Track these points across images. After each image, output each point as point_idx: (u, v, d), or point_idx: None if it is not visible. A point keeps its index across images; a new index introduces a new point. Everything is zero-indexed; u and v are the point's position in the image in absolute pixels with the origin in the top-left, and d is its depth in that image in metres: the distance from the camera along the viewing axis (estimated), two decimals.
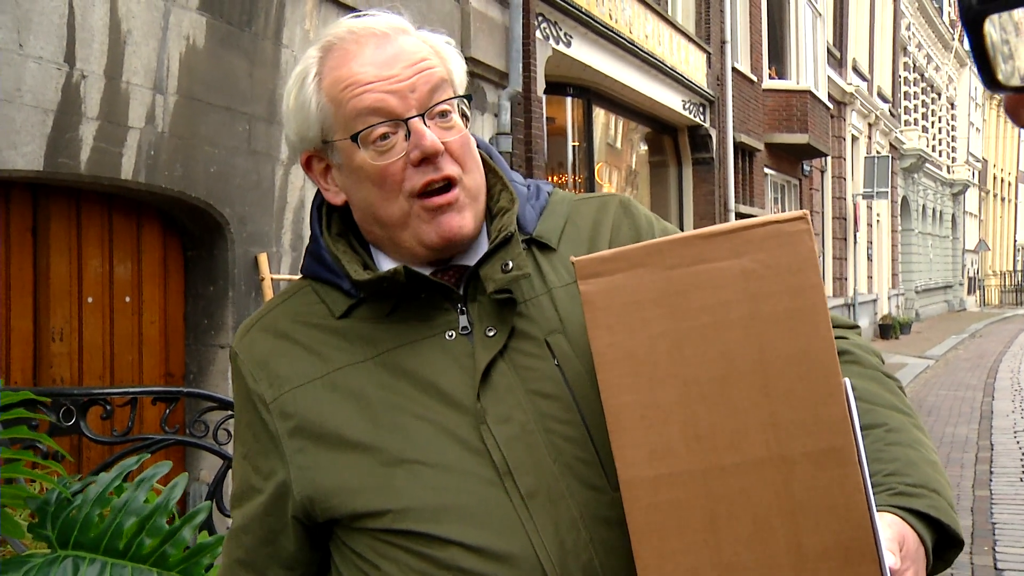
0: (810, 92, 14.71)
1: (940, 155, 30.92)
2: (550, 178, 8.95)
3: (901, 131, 24.21)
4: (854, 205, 19.08)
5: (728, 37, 12.44)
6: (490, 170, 1.15)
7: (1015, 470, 7.46)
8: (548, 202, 1.17)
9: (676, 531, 0.90)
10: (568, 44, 8.22)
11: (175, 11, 4.16)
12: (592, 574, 1.00)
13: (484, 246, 1.10)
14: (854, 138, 19.63)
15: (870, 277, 20.50)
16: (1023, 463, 7.70)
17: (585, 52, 8.57)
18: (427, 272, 1.09)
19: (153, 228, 4.49)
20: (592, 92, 9.64)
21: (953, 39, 30.43)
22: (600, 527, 1.01)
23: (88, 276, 4.15)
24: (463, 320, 1.07)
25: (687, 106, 11.42)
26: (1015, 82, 0.42)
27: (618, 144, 11.24)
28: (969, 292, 35.07)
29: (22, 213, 3.89)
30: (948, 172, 31.83)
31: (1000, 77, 0.42)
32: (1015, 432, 9.08)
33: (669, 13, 10.87)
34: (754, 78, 13.82)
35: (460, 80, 1.12)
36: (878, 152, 20.69)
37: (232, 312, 4.55)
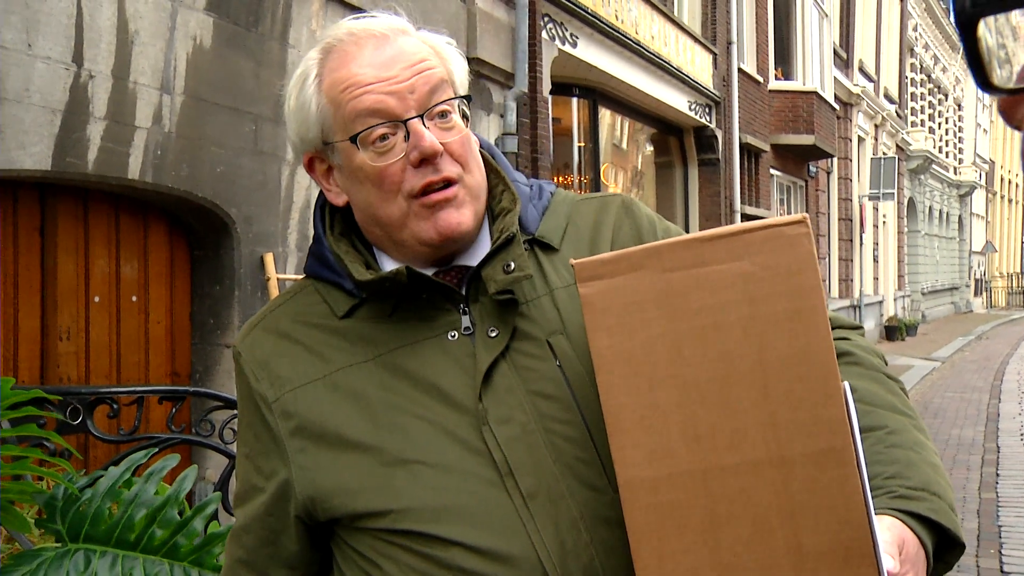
0: (816, 93, 14.69)
1: (947, 156, 30.84)
2: (556, 179, 8.95)
3: (908, 132, 24.15)
4: (860, 206, 19.04)
5: (734, 38, 12.43)
6: (492, 171, 1.15)
7: (1021, 473, 7.44)
8: (550, 202, 1.17)
9: (675, 532, 0.90)
10: (574, 45, 8.23)
11: (182, 11, 4.17)
12: (593, 574, 1.00)
13: (486, 246, 1.11)
14: (860, 139, 19.60)
15: (876, 278, 20.45)
16: None
17: (591, 53, 8.57)
18: (429, 273, 1.09)
19: (160, 228, 4.50)
20: (598, 93, 9.64)
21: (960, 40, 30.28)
22: (601, 527, 1.01)
23: (95, 275, 4.17)
24: (465, 320, 1.07)
25: (693, 107, 11.42)
26: (1010, 85, 0.42)
27: (624, 145, 11.23)
28: (976, 294, 34.96)
29: (30, 213, 3.91)
30: (955, 173, 31.74)
31: (995, 80, 0.42)
32: (1022, 435, 9.05)
33: (675, 14, 10.87)
34: (760, 79, 13.80)
35: (461, 80, 1.12)
36: (884, 153, 20.65)
37: (238, 312, 4.56)
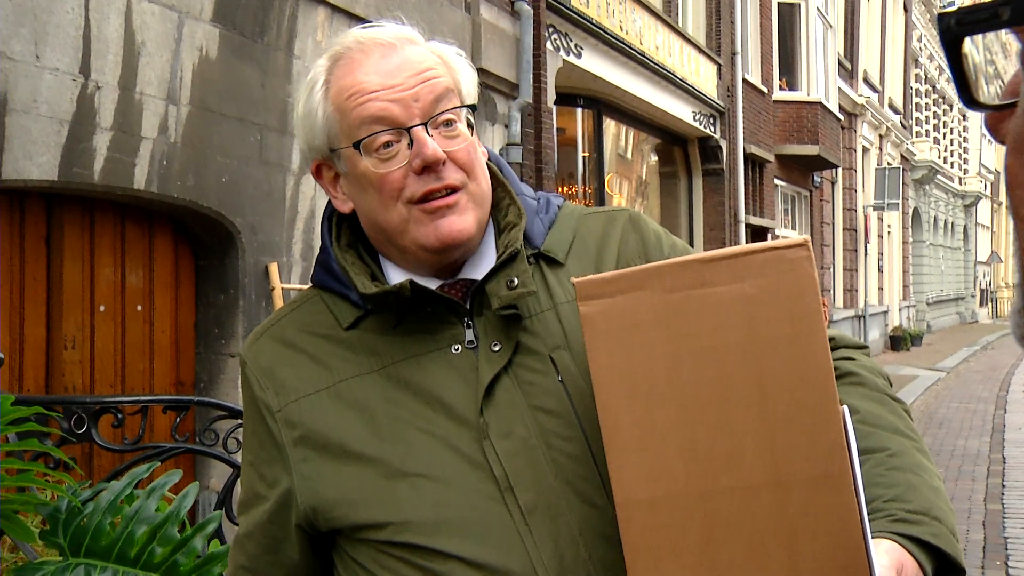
0: (821, 103, 14.70)
1: (952, 167, 30.81)
2: (560, 189, 8.96)
3: (912, 143, 24.14)
4: (865, 217, 19.02)
5: (739, 48, 12.45)
6: (499, 184, 1.15)
7: None
8: (557, 216, 1.17)
9: (671, 552, 0.90)
10: (579, 55, 8.25)
11: (189, 22, 4.20)
12: None
13: (492, 260, 1.11)
14: (865, 149, 19.59)
15: (881, 289, 20.41)
16: None
17: (596, 63, 8.60)
18: (435, 285, 1.09)
19: (165, 237, 4.52)
20: (603, 103, 9.66)
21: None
22: (599, 544, 1.01)
23: (100, 285, 4.18)
24: (469, 334, 1.08)
25: (697, 117, 11.43)
26: (995, 101, 0.43)
27: (628, 155, 11.25)
28: (981, 304, 34.87)
29: (36, 222, 3.93)
30: (960, 184, 31.71)
31: (980, 97, 0.43)
32: None
33: (680, 24, 10.89)
34: (764, 89, 13.82)
35: (468, 90, 1.12)
36: (889, 164, 20.64)
37: (243, 321, 4.57)
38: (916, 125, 25.54)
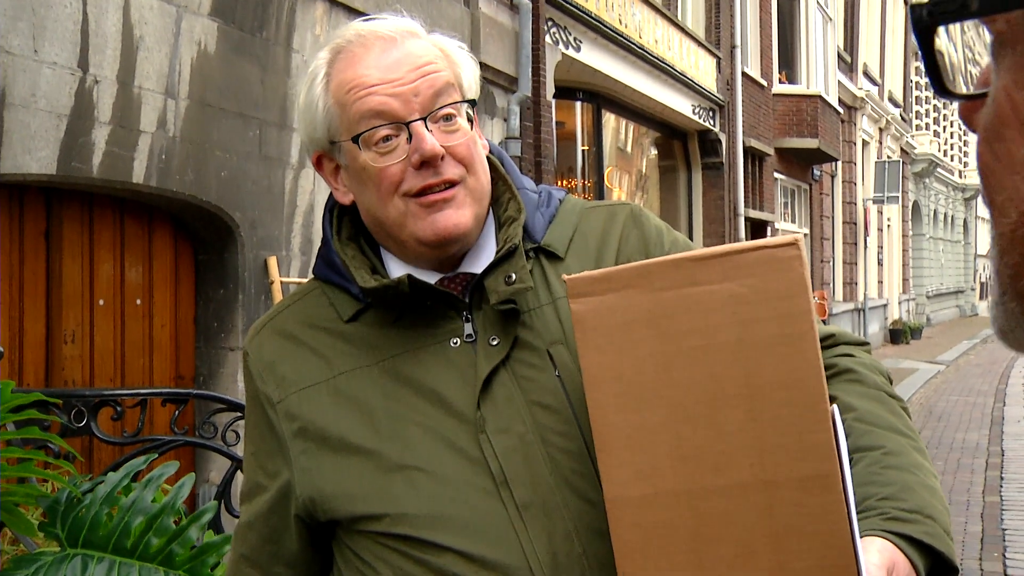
0: (820, 97, 14.69)
1: (952, 160, 30.79)
2: (559, 182, 8.96)
3: (912, 136, 24.12)
4: (864, 210, 19.02)
5: (738, 42, 12.43)
6: (500, 178, 1.16)
7: None
8: (558, 210, 1.17)
9: (660, 551, 0.90)
10: (578, 49, 8.24)
11: (187, 17, 4.20)
12: None
13: (491, 254, 1.11)
14: (865, 143, 19.58)
15: (880, 282, 20.42)
16: None
17: (595, 57, 8.59)
18: (434, 279, 1.10)
19: (164, 232, 4.53)
20: (602, 97, 9.66)
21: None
22: (594, 540, 1.01)
23: (100, 279, 4.19)
24: (468, 328, 1.08)
25: (697, 111, 11.43)
26: (967, 90, 0.44)
27: (628, 148, 11.24)
28: (981, 297, 34.86)
29: (35, 217, 3.94)
30: (960, 177, 31.69)
31: (955, 87, 0.44)
32: None
33: (679, 18, 10.88)
34: (764, 83, 13.81)
35: (470, 84, 1.12)
36: (889, 157, 20.63)
37: (242, 315, 4.58)
38: (916, 118, 25.52)
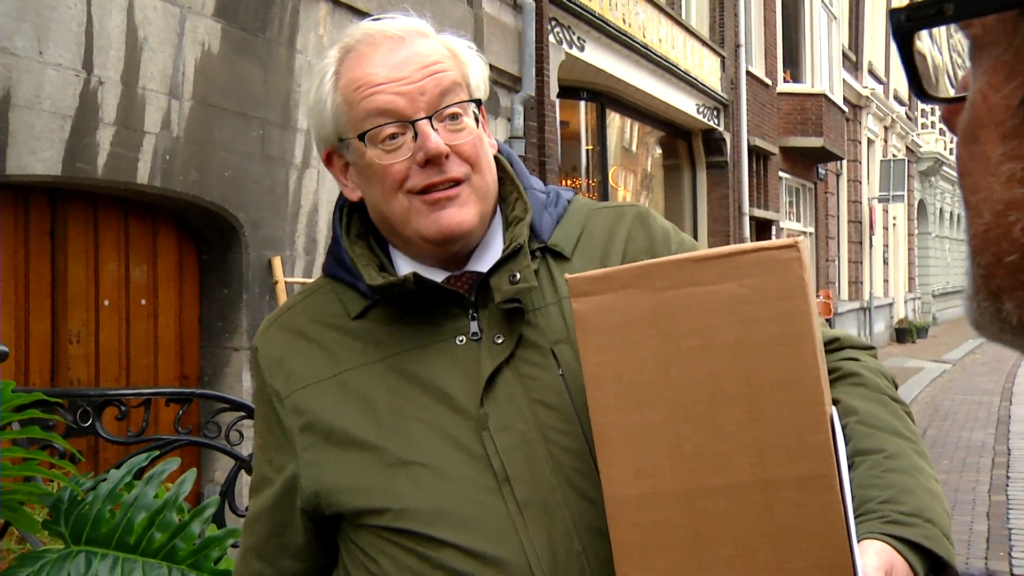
0: (825, 95, 14.66)
1: None
2: (564, 182, 8.96)
3: (918, 134, 24.07)
4: (870, 209, 18.98)
5: (742, 41, 12.42)
6: (508, 177, 1.17)
7: None
8: (566, 210, 1.18)
9: (659, 550, 0.91)
10: (581, 48, 8.24)
11: (191, 18, 4.21)
12: None
13: (498, 253, 1.12)
14: (870, 141, 19.54)
15: (886, 281, 20.38)
16: None
17: (598, 56, 8.59)
18: (441, 277, 1.11)
19: (168, 232, 4.54)
20: (606, 96, 9.66)
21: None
22: (594, 538, 1.02)
23: (104, 279, 4.21)
24: (473, 326, 1.09)
25: (701, 110, 11.42)
26: (948, 94, 0.44)
27: (632, 148, 11.24)
28: None
29: (40, 217, 3.95)
30: None
31: (937, 91, 0.45)
32: None
33: (683, 17, 10.87)
34: (768, 82, 13.79)
35: (477, 84, 1.14)
36: (894, 155, 20.58)
37: (246, 315, 4.59)
38: (922, 116, 25.46)
